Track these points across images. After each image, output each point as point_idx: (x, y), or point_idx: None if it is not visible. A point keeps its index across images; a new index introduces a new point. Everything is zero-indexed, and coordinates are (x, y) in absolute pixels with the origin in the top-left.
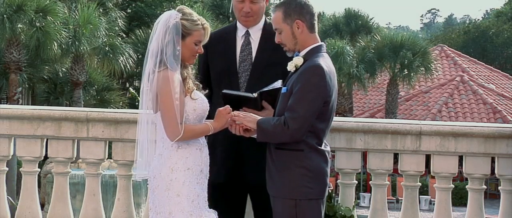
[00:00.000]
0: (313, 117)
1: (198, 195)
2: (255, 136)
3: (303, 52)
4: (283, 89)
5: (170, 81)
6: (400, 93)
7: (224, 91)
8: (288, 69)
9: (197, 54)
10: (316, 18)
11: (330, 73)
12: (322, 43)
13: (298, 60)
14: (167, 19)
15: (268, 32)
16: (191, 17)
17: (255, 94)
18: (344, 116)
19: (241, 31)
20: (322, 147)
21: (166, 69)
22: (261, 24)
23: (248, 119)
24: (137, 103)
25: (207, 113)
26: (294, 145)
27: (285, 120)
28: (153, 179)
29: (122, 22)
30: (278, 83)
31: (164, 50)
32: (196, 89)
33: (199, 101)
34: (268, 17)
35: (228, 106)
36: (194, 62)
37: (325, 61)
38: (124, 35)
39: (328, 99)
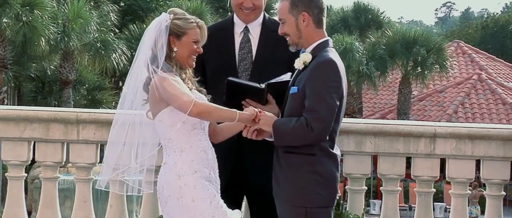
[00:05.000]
0: (334, 116)
1: (215, 195)
2: (269, 138)
3: (309, 48)
4: (293, 89)
5: (166, 76)
6: (413, 93)
7: (230, 78)
8: (296, 67)
9: (196, 56)
10: (325, 13)
11: (341, 68)
12: (329, 38)
13: (306, 57)
14: (159, 23)
15: (268, 28)
16: (184, 16)
17: (262, 85)
18: (353, 117)
19: (239, 27)
20: (334, 150)
21: (162, 72)
22: (260, 19)
23: (264, 119)
24: None
25: None
26: (306, 148)
27: (307, 122)
28: (162, 190)
29: (115, 17)
30: (286, 76)
31: (159, 55)
32: (202, 95)
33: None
34: (273, 10)
35: (252, 107)
36: (193, 66)
37: (335, 56)
38: (117, 31)
39: (342, 97)
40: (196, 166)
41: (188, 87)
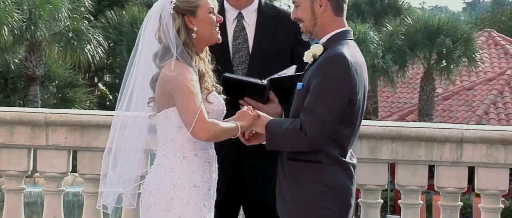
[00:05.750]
0: (336, 119)
1: None
2: (264, 142)
3: (323, 39)
4: (299, 86)
5: (185, 70)
6: (437, 91)
7: (226, 74)
8: (305, 60)
9: (218, 28)
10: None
11: (356, 64)
12: (348, 28)
13: (316, 49)
14: (161, 8)
15: (265, 15)
16: None
17: (264, 81)
18: (367, 119)
19: (231, 13)
20: (347, 159)
21: (178, 60)
22: (255, 4)
23: (258, 120)
24: (108, 103)
25: (222, 118)
26: (311, 155)
27: (301, 124)
28: (148, 196)
29: (89, 2)
30: (291, 70)
31: (170, 44)
32: (222, 99)
33: (215, 104)
34: None
35: (250, 106)
36: (220, 39)
37: (350, 50)
38: (91, 18)
39: (354, 98)
40: (196, 180)
41: (207, 86)
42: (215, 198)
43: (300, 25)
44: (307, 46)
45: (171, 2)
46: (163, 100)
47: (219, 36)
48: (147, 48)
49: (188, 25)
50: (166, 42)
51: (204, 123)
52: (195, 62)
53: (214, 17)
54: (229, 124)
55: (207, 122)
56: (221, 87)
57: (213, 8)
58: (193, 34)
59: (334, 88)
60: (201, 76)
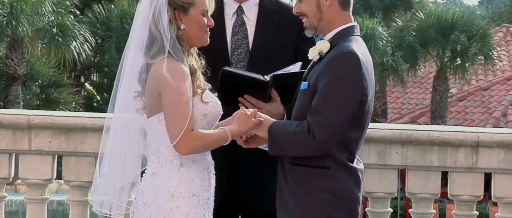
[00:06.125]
0: (346, 122)
1: None
2: (264, 146)
3: (329, 35)
4: (303, 85)
5: (177, 72)
6: (450, 91)
7: (226, 68)
8: (310, 58)
9: (208, 31)
10: None
11: (366, 62)
12: (355, 23)
13: (323, 46)
14: None
15: (266, 9)
16: None
17: (267, 78)
18: (375, 121)
19: (230, 7)
20: (354, 164)
21: (170, 58)
22: None
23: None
24: (95, 104)
25: (219, 119)
26: (317, 160)
27: (309, 127)
28: (144, 208)
29: None
30: (296, 67)
31: (161, 36)
32: (217, 99)
33: (211, 105)
34: None
35: (254, 110)
36: (208, 41)
37: (359, 47)
38: (78, 13)
39: (364, 99)
40: (196, 188)
41: (199, 84)
42: (213, 205)
43: (303, 20)
44: (311, 43)
45: None
46: (154, 102)
47: (208, 39)
48: (138, 37)
49: (177, 20)
50: (156, 32)
51: (188, 137)
52: (187, 57)
53: (205, 20)
54: (217, 133)
55: (192, 136)
56: (210, 85)
57: (207, 11)
58: (181, 31)
59: (345, 88)
60: (193, 73)
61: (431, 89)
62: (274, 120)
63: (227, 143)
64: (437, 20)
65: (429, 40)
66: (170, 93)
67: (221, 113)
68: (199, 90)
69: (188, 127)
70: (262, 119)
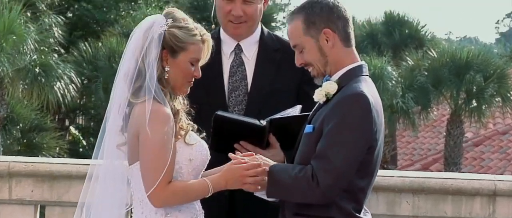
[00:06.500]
0: (353, 168)
1: None
2: (261, 194)
3: (336, 76)
4: (308, 128)
5: (159, 117)
6: (466, 135)
7: (219, 113)
8: (316, 100)
9: (193, 81)
10: (351, 24)
11: (376, 105)
12: (363, 62)
13: (330, 87)
14: (150, 26)
15: (267, 46)
16: (185, 25)
17: (263, 122)
18: (384, 168)
19: (228, 45)
20: (362, 215)
21: (150, 100)
22: (257, 35)
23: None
24: (81, 149)
25: (206, 165)
26: (321, 211)
27: (313, 172)
28: None
29: (60, 32)
30: (295, 110)
31: (146, 72)
32: (203, 141)
33: (196, 148)
34: (275, 23)
35: (243, 159)
36: (187, 92)
37: (368, 89)
38: (62, 51)
39: (374, 144)
40: None
41: (182, 125)
42: None
43: (310, 70)
44: (315, 84)
45: (162, 27)
46: (134, 147)
47: (188, 89)
48: (125, 68)
49: (162, 61)
50: (142, 67)
51: (163, 189)
52: (169, 99)
53: (192, 69)
54: (197, 185)
55: (168, 188)
56: (196, 126)
57: (198, 61)
58: (163, 74)
59: (353, 132)
60: (175, 114)
61: (444, 133)
62: (273, 162)
63: (208, 195)
64: (451, 59)
65: (442, 80)
66: (147, 139)
67: (209, 157)
68: (182, 132)
69: (164, 178)
70: (264, 166)
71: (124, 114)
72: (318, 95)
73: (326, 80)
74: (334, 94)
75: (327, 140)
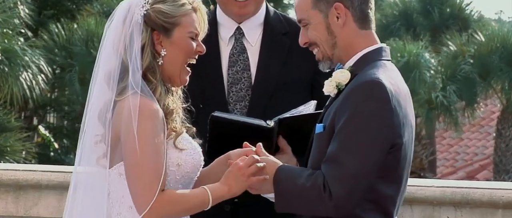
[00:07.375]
0: (373, 173)
1: None
2: (270, 196)
3: (349, 63)
4: (319, 128)
5: (144, 113)
6: None
7: (215, 114)
8: (326, 93)
9: (189, 70)
10: (372, 4)
11: (397, 94)
12: (383, 45)
13: (341, 76)
14: (127, 9)
15: (274, 29)
16: None
17: (270, 123)
18: (420, 176)
19: (227, 28)
20: None
21: (136, 95)
22: (261, 15)
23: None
24: (53, 153)
25: (199, 172)
26: None
27: (324, 180)
28: None
29: (27, 11)
30: (309, 106)
31: (133, 66)
32: (198, 145)
33: (188, 153)
34: (286, 2)
35: (249, 160)
36: (187, 81)
37: (388, 75)
38: (30, 34)
39: (398, 141)
40: None
41: (175, 126)
42: None
43: (314, 52)
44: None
45: (143, 7)
46: (115, 148)
47: (187, 78)
48: (105, 67)
49: (155, 45)
50: (126, 60)
51: (158, 200)
52: (159, 95)
53: (194, 44)
54: (195, 195)
55: (163, 199)
56: (194, 129)
57: (197, 34)
58: (158, 60)
59: (369, 128)
60: (167, 114)
61: (494, 134)
62: (280, 163)
63: (208, 207)
64: (501, 43)
65: (492, 70)
66: (130, 142)
67: (202, 163)
68: (173, 134)
69: (153, 184)
70: (266, 177)
71: (106, 119)
72: (328, 87)
73: (338, 69)
74: (346, 85)
75: (338, 140)
